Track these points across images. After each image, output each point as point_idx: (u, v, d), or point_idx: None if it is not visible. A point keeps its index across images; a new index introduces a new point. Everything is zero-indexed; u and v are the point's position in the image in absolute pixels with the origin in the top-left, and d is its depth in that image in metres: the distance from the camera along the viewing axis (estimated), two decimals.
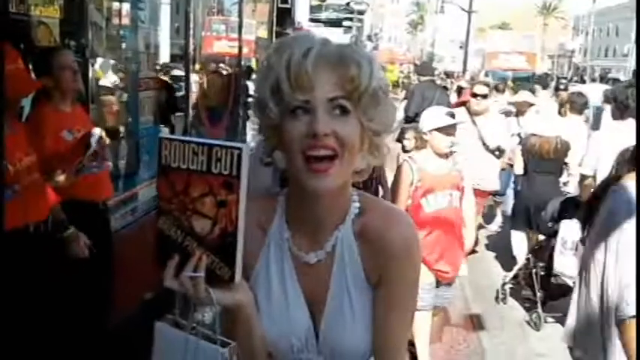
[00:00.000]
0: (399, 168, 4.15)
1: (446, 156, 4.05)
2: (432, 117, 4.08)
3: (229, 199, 1.16)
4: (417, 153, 4.19)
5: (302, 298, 1.40)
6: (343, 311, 1.37)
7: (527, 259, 5.53)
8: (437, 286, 4.16)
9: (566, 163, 5.75)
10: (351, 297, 1.37)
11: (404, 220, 1.40)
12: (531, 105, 7.49)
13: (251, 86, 10.32)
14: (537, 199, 5.58)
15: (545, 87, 12.61)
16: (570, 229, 4.84)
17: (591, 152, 4.74)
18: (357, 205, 1.40)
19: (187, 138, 1.22)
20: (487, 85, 6.84)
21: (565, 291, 5.06)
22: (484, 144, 6.23)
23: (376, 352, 1.40)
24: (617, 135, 4.34)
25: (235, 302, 1.26)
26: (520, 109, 7.62)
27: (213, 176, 1.17)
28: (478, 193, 5.19)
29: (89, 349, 3.59)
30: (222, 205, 1.17)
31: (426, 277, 3.91)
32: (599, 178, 4.20)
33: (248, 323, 1.31)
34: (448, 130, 3.98)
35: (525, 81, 18.00)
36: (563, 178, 5.84)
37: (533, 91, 9.42)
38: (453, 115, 4.06)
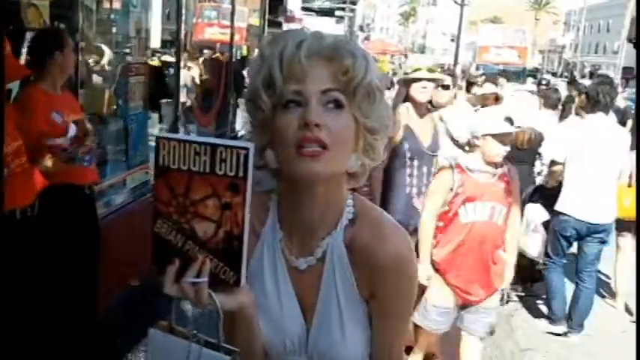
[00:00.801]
0: (440, 170, 3.72)
1: (495, 165, 3.60)
2: (489, 121, 3.62)
3: (234, 201, 1.11)
4: (463, 157, 3.71)
5: (295, 301, 1.37)
6: (331, 320, 1.34)
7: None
8: (465, 309, 3.67)
9: (539, 154, 5.95)
10: (340, 306, 1.33)
11: (395, 233, 1.34)
12: (497, 98, 7.36)
13: (246, 74, 10.32)
14: None
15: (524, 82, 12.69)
16: (534, 212, 5.24)
17: (561, 140, 5.06)
18: (352, 210, 1.35)
19: (187, 137, 1.16)
20: (452, 75, 6.67)
21: (533, 274, 5.81)
22: (452, 139, 5.75)
23: None
24: (586, 126, 4.94)
25: (238, 305, 1.21)
26: (484, 102, 7.45)
27: (217, 178, 1.11)
28: None
29: (75, 335, 3.58)
30: (226, 208, 1.12)
31: (444, 299, 3.63)
32: (568, 166, 4.88)
33: (249, 325, 1.28)
34: (504, 137, 3.54)
35: (516, 75, 18.04)
36: (537, 168, 6.09)
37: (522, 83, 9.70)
38: (512, 122, 3.67)
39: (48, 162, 3.27)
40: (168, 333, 1.23)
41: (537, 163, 6.04)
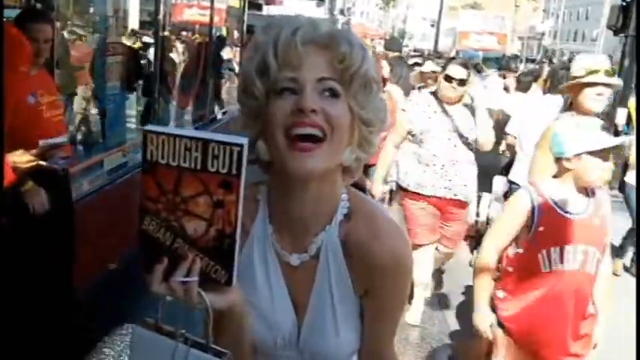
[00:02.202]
0: (514, 197, 2.93)
1: (589, 192, 2.77)
2: (584, 134, 2.73)
3: (227, 199, 1.07)
4: (547, 179, 2.89)
5: (287, 297, 1.35)
6: (324, 317, 1.33)
7: (476, 221, 5.95)
8: None
9: (506, 133, 6.23)
10: (334, 304, 1.32)
11: (392, 230, 1.33)
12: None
13: (224, 56, 10.19)
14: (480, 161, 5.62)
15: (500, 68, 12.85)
16: (498, 183, 5.70)
17: (520, 115, 5.66)
18: (346, 204, 1.32)
19: (177, 131, 1.09)
20: (466, 66, 5.16)
21: None
22: (462, 136, 4.77)
23: (363, 358, 1.39)
24: (539, 103, 5.63)
25: (229, 305, 1.17)
26: (424, 81, 6.98)
27: (208, 175, 1.07)
28: (457, 204, 4.68)
29: (49, 317, 3.54)
30: (218, 206, 1.08)
31: None
32: (523, 140, 5.27)
33: (239, 323, 1.24)
34: (604, 153, 2.69)
35: (495, 62, 18.07)
36: (502, 147, 6.62)
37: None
38: (609, 130, 3.06)
39: (22, 157, 3.18)
40: (154, 331, 1.19)
41: (503, 142, 6.51)
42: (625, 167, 6.45)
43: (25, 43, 3.38)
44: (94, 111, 5.60)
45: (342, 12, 48.42)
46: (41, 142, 3.32)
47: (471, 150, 4.69)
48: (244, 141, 1.06)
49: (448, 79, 4.54)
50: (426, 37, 67.70)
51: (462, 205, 4.73)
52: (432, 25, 41.77)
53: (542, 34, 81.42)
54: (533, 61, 29.56)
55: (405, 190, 4.68)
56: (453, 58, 5.37)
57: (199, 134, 1.08)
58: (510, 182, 5.31)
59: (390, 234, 1.31)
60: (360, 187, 3.98)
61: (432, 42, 32.25)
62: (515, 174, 5.22)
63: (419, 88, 6.55)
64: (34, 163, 3.26)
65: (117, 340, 3.85)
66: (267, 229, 1.34)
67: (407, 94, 6.49)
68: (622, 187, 6.60)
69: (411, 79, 6.90)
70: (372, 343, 1.37)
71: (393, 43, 10.15)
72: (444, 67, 4.71)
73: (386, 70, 6.98)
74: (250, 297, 1.28)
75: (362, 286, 1.32)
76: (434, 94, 4.67)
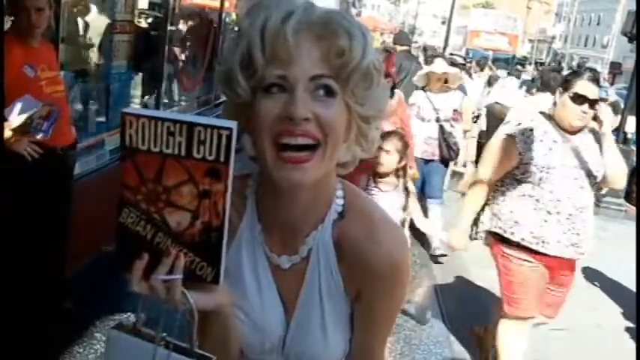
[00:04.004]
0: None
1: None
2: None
3: (214, 189, 0.98)
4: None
5: (278, 300, 1.24)
6: (311, 322, 1.23)
7: None
8: None
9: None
10: (323, 307, 1.22)
11: (390, 230, 1.22)
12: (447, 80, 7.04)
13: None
14: None
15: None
16: None
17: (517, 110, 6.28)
18: (341, 202, 1.21)
19: (159, 114, 0.99)
20: (597, 81, 4.95)
21: None
22: (590, 174, 3.71)
23: None
24: (532, 101, 6.49)
25: (216, 305, 1.07)
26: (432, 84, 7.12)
27: (194, 162, 0.97)
28: (573, 264, 3.66)
29: (42, 299, 3.48)
30: (205, 196, 0.98)
31: None
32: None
33: (225, 326, 1.13)
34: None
35: (505, 62, 17.99)
36: None
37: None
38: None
39: (7, 133, 3.07)
40: (133, 335, 1.09)
41: None
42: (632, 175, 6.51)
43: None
44: (98, 88, 5.50)
45: (353, 4, 48.25)
46: (27, 69, 3.23)
47: (596, 191, 3.83)
48: (233, 125, 0.96)
49: (577, 99, 3.38)
50: (436, 34, 67.43)
51: (576, 265, 3.70)
52: (443, 23, 41.58)
53: (553, 37, 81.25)
54: (542, 64, 29.46)
55: (509, 243, 3.51)
56: (581, 69, 3.79)
57: (184, 117, 0.98)
58: None
59: (387, 236, 1.20)
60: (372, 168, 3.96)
61: (442, 39, 32.08)
62: None
63: (422, 89, 6.40)
64: (14, 138, 3.14)
65: (111, 324, 3.79)
66: (256, 227, 1.22)
67: (408, 94, 6.33)
68: (628, 195, 6.61)
69: (416, 79, 6.58)
70: (361, 350, 1.28)
71: (402, 36, 10.03)
72: (567, 82, 3.51)
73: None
74: (238, 300, 1.18)
75: (353, 289, 1.22)
76: (550, 117, 3.52)
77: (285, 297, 1.24)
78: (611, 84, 23.85)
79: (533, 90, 9.05)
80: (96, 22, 5.48)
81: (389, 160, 3.81)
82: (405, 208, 3.86)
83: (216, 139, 0.96)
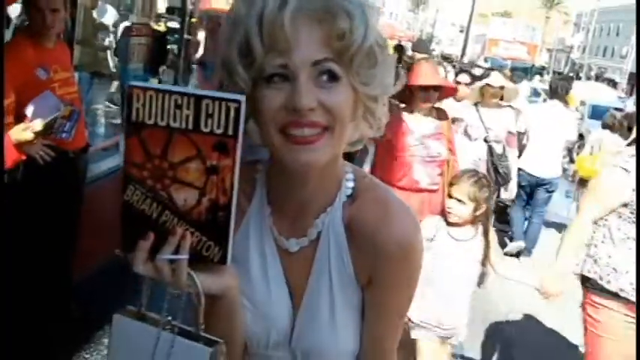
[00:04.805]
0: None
1: None
2: None
3: (222, 164, 0.95)
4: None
5: (285, 287, 1.20)
6: (320, 309, 1.18)
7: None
8: None
9: None
10: (333, 294, 1.17)
11: (404, 212, 1.16)
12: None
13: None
14: None
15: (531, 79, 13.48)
16: None
17: (526, 116, 6.35)
18: (351, 184, 1.17)
19: (166, 87, 0.97)
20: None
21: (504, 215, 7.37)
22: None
23: (362, 357, 1.23)
24: (543, 107, 7.23)
25: (222, 288, 1.03)
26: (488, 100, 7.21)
27: (201, 136, 0.94)
28: None
29: (49, 303, 3.45)
30: (212, 172, 0.95)
31: None
32: (528, 134, 6.41)
33: (232, 312, 1.10)
34: None
35: (524, 72, 17.89)
36: None
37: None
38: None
39: (25, 134, 3.00)
40: (137, 319, 1.06)
41: None
42: None
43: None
44: (114, 91, 5.50)
45: None
46: (40, 72, 3.19)
47: None
48: (242, 97, 0.93)
49: None
50: (454, 42, 67.30)
51: None
52: (461, 31, 41.49)
53: (571, 47, 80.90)
54: (560, 74, 29.33)
55: (604, 291, 2.96)
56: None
57: (191, 90, 0.95)
58: (519, 169, 6.09)
59: (400, 216, 1.15)
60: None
61: (459, 47, 32.01)
62: (523, 161, 6.33)
63: (475, 105, 5.59)
64: (35, 140, 3.07)
65: None
66: (265, 211, 1.19)
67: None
68: None
69: (468, 94, 5.91)
70: (372, 342, 1.22)
71: (421, 44, 9.98)
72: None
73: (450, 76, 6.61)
74: (244, 285, 1.13)
75: (365, 275, 1.17)
76: None
77: (293, 283, 1.20)
78: (630, 94, 23.61)
79: (541, 98, 9.14)
80: (115, 24, 5.48)
81: (461, 211, 3.14)
82: (484, 262, 3.18)
83: (224, 112, 0.93)
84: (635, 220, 2.87)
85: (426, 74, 4.15)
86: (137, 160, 0.98)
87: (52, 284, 3.47)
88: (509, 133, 5.56)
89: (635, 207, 2.86)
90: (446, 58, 28.12)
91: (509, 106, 5.76)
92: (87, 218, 3.74)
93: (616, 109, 11.85)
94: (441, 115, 4.32)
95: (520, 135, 6.10)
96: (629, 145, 4.99)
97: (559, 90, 6.72)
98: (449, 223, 3.17)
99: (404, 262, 1.16)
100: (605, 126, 8.34)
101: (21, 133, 2.98)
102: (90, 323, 3.71)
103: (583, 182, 7.42)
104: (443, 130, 4.26)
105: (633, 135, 8.75)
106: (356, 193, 1.17)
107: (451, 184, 3.24)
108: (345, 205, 1.16)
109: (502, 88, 5.57)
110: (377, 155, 4.29)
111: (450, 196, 3.17)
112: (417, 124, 4.18)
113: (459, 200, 3.12)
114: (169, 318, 1.04)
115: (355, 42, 1.02)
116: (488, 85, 5.54)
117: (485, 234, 3.19)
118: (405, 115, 4.20)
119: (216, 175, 0.95)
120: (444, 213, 3.25)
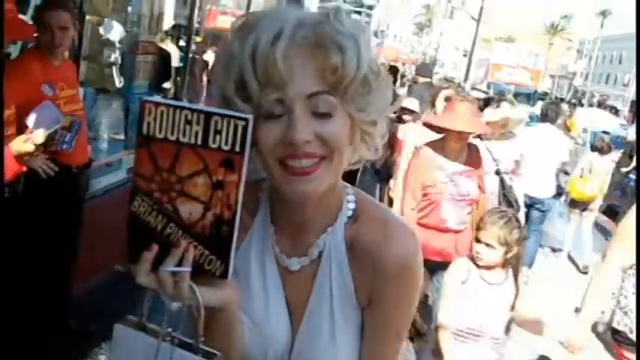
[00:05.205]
0: None
1: None
2: None
3: (228, 179, 0.97)
4: None
5: (284, 306, 1.20)
6: (321, 329, 1.18)
7: None
8: None
9: None
10: (333, 314, 1.18)
11: (404, 233, 1.17)
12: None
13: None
14: None
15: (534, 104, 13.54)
16: None
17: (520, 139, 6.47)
18: (352, 205, 1.19)
19: (178, 102, 1.00)
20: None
21: None
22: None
23: None
24: (535, 131, 7.03)
25: (223, 302, 1.04)
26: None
27: (209, 151, 0.97)
28: None
29: (48, 317, 3.45)
30: (218, 187, 0.98)
31: None
32: (523, 157, 6.27)
33: (231, 326, 1.10)
34: None
35: (527, 97, 17.94)
36: None
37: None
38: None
39: (26, 146, 2.99)
40: (137, 330, 1.07)
41: None
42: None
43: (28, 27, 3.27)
44: (118, 108, 5.52)
45: (375, 34, 48.57)
46: (46, 88, 3.20)
47: None
48: (250, 116, 0.96)
49: None
50: (457, 67, 67.63)
51: None
52: (464, 55, 41.69)
53: (574, 74, 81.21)
54: (562, 100, 29.38)
55: (635, 346, 2.80)
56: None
57: (201, 106, 0.98)
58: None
59: (400, 237, 1.16)
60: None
61: (462, 71, 32.17)
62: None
63: (479, 137, 5.11)
64: (36, 153, 3.08)
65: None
66: (268, 230, 1.20)
67: None
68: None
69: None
70: None
71: (424, 68, 10.04)
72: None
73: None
74: (244, 302, 1.14)
75: (365, 295, 1.18)
76: None
77: (293, 302, 1.20)
78: (632, 122, 23.66)
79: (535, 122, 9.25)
80: (121, 41, 5.52)
81: (491, 256, 2.95)
82: (513, 307, 2.98)
83: (232, 129, 0.96)
84: None
85: (466, 119, 3.79)
86: (146, 173, 1.00)
87: (51, 297, 3.47)
88: (515, 162, 5.68)
89: None
90: (448, 81, 28.30)
91: (510, 132, 5.72)
92: (87, 233, 3.75)
93: (618, 136, 11.93)
94: (472, 151, 4.04)
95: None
96: (628, 172, 5.02)
97: (549, 113, 6.96)
98: (479, 266, 2.99)
99: (403, 282, 1.17)
100: (593, 149, 8.77)
101: (22, 144, 2.99)
102: (88, 337, 3.70)
103: (574, 203, 8.11)
104: (474, 167, 3.97)
105: (633, 163, 8.88)
106: (357, 214, 1.18)
107: (479, 228, 3.00)
108: (347, 226, 1.18)
109: (506, 118, 5.52)
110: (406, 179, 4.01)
111: (479, 241, 2.97)
112: (446, 161, 3.87)
113: (488, 245, 2.92)
114: (169, 330, 1.05)
115: (348, 75, 1.04)
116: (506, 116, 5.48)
117: (515, 277, 3.00)
118: (433, 151, 3.89)
119: (222, 191, 0.98)
120: (471, 254, 3.06)
